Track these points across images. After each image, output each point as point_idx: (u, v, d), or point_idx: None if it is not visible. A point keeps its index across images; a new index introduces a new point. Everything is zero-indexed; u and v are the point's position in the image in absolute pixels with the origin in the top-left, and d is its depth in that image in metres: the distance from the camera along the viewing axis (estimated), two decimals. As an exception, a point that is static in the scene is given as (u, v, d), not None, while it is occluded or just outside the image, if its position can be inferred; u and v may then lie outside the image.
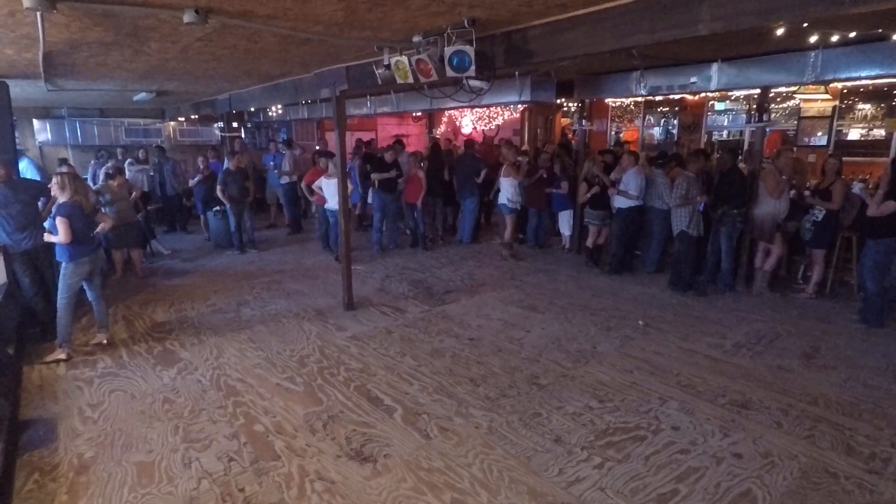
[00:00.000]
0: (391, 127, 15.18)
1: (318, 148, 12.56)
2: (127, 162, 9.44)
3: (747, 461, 3.09)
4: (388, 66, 3.85)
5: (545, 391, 3.93)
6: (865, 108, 8.96)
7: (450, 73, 3.41)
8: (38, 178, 6.77)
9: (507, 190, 7.66)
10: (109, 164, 7.88)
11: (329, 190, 7.37)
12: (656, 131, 11.73)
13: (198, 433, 3.40)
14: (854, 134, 9.14)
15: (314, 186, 7.89)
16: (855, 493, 2.82)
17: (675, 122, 11.21)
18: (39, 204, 5.06)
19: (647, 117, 11.80)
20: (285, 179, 9.86)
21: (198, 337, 5.03)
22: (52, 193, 4.55)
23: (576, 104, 8.79)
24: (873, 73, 5.62)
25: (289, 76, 6.75)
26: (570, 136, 12.61)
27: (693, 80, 6.80)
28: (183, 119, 12.38)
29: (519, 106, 11.10)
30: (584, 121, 8.47)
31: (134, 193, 7.20)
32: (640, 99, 10.73)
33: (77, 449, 3.24)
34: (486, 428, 3.45)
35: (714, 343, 4.77)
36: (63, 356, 4.45)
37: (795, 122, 9.59)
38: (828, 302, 5.77)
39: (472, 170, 8.47)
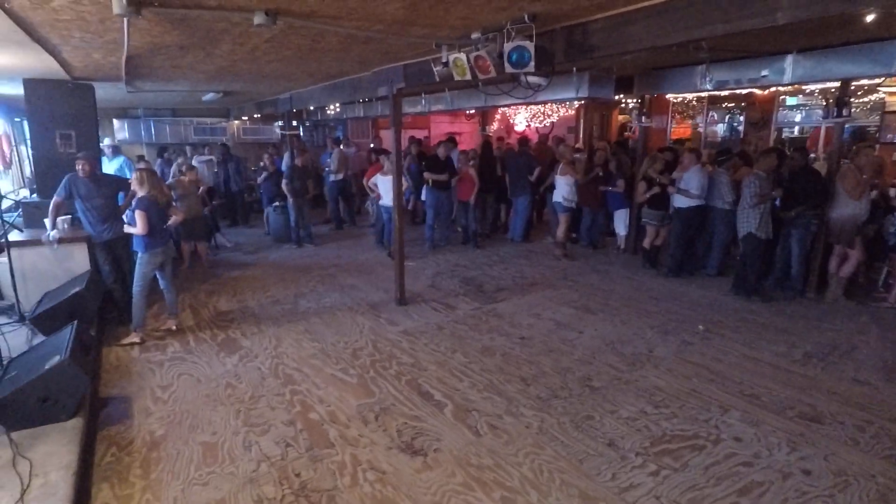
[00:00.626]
0: (444, 125, 15.25)
1: (372, 146, 12.82)
2: (195, 159, 9.97)
3: (817, 478, 2.90)
4: (446, 64, 3.86)
5: (598, 394, 3.84)
6: (961, 101, 8.17)
7: (508, 69, 3.38)
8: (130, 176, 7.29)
9: (563, 188, 7.53)
10: (181, 161, 8.35)
11: (384, 187, 7.50)
12: (720, 128, 11.18)
13: (257, 418, 3.55)
14: (947, 130, 8.36)
15: (370, 183, 8.05)
16: (942, 520, 2.60)
17: (742, 118, 10.64)
18: (119, 197, 5.43)
19: (710, 113, 11.27)
20: (332, 177, 10.09)
21: (258, 326, 5.25)
22: (132, 188, 4.88)
23: (635, 100, 8.51)
24: (974, 63, 5.12)
25: (348, 75, 6.91)
26: (627, 133, 12.26)
27: (764, 73, 6.42)
28: (246, 118, 12.94)
29: (574, 103, 10.87)
30: (643, 117, 8.19)
31: (201, 189, 7.60)
32: (703, 94, 10.26)
33: (149, 427, 3.46)
34: (537, 428, 3.42)
35: (781, 352, 4.51)
36: (137, 340, 4.77)
37: (878, 117, 8.88)
38: (913, 313, 5.32)
39: (525, 168, 8.39)
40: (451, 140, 8.88)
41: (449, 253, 8.19)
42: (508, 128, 13.96)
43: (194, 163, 8.76)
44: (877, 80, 8.01)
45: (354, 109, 11.95)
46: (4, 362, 3.61)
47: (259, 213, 10.27)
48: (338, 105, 11.28)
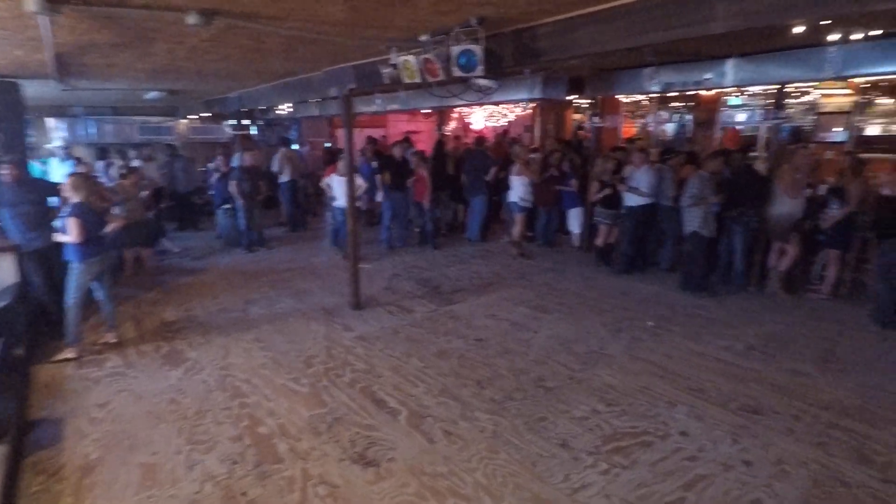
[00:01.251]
0: (402, 123, 15.14)
1: (329, 145, 12.60)
2: (136, 161, 9.52)
3: (757, 469, 3.02)
4: (394, 66, 3.81)
5: (552, 394, 3.89)
6: (887, 102, 8.71)
7: (457, 72, 3.36)
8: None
9: (519, 188, 7.59)
10: (121, 164, 7.95)
11: (339, 188, 7.37)
12: (670, 127, 11.56)
13: (202, 435, 3.41)
14: (874, 129, 8.91)
15: (323, 184, 7.89)
16: (867, 502, 2.74)
17: (690, 118, 11.03)
18: (51, 203, 5.11)
19: (659, 113, 11.62)
20: (282, 178, 9.82)
21: (205, 336, 5.05)
22: (65, 193, 4.59)
23: (587, 101, 8.68)
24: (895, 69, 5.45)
25: (298, 75, 6.75)
26: (579, 133, 12.48)
27: (707, 76, 6.66)
28: (195, 117, 12.46)
29: (529, 103, 10.99)
30: (596, 117, 8.36)
31: (144, 191, 7.25)
32: (653, 95, 10.57)
33: (83, 450, 3.26)
34: (491, 432, 3.42)
35: (725, 345, 4.68)
36: (72, 355, 4.50)
37: (812, 117, 9.37)
38: (843, 303, 5.63)
39: (481, 167, 8.41)
40: (405, 140, 8.80)
41: (406, 254, 8.13)
42: (466, 127, 14.00)
43: (136, 164, 8.35)
44: (811, 84, 8.46)
45: (309, 108, 11.70)
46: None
47: (210, 216, 9.90)
48: (290, 104, 11.01)
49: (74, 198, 4.42)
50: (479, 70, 3.32)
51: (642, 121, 11.89)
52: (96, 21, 3.19)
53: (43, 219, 4.87)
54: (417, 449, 3.24)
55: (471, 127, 13.89)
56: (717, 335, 4.90)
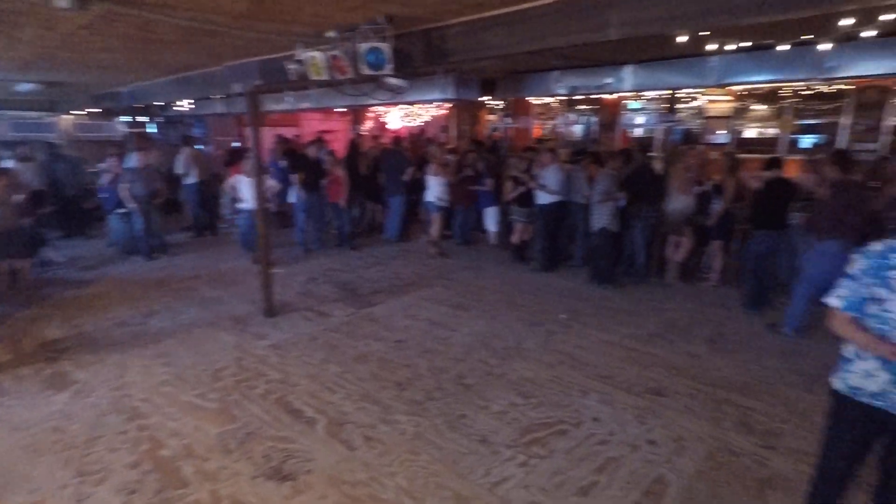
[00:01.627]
0: (316, 122, 14.70)
1: (238, 144, 11.93)
2: (8, 161, 8.46)
3: (660, 447, 3.24)
4: (301, 62, 3.66)
5: (471, 391, 3.93)
6: (760, 108, 9.75)
7: (366, 70, 3.29)
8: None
9: (435, 188, 7.63)
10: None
11: (246, 189, 7.00)
12: (577, 129, 12.16)
13: (94, 464, 3.08)
14: (751, 132, 9.93)
15: (227, 185, 7.46)
16: (753, 468, 3.04)
17: (595, 120, 11.67)
18: None
19: (567, 115, 12.19)
20: (187, 179, 9.18)
21: (97, 354, 4.58)
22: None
23: (499, 102, 8.91)
24: (765, 77, 6.11)
25: (198, 69, 6.32)
26: (493, 134, 12.79)
27: (608, 80, 7.09)
28: (82, 112, 11.29)
29: (444, 103, 11.09)
30: (508, 118, 8.60)
31: (17, 196, 6.44)
32: (561, 98, 11.07)
33: (-56, 493, 2.83)
34: (412, 433, 3.39)
35: (630, 333, 4.99)
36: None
37: (700, 121, 10.27)
38: (730, 289, 6.21)
39: (398, 167, 8.36)
40: (319, 140, 8.54)
41: (322, 257, 7.90)
42: (382, 127, 13.87)
43: (9, 165, 7.41)
44: (698, 90, 9.25)
45: (214, 105, 11.03)
46: None
47: (101, 222, 9.01)
48: (191, 100, 10.31)
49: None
50: (389, 69, 3.28)
51: (552, 122, 12.41)
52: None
53: None
54: (336, 458, 3.15)
55: (387, 126, 13.79)
56: (623, 324, 5.22)
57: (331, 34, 3.51)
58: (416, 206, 9.08)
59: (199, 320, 5.39)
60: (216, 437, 3.34)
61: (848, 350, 2.14)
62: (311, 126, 14.39)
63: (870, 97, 8.37)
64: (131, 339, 4.91)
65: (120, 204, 8.05)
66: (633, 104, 11.12)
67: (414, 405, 3.74)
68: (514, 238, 7.44)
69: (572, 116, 12.16)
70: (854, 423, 2.13)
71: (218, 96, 9.91)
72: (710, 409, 3.68)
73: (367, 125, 13.90)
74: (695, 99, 10.08)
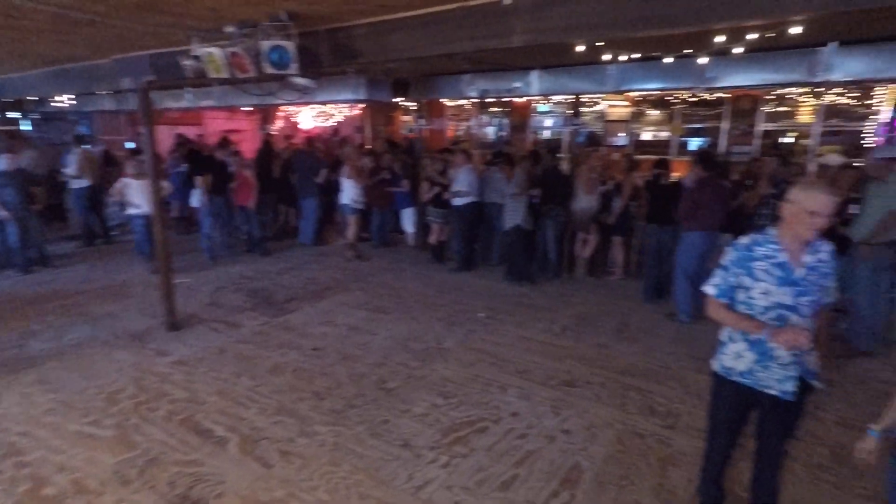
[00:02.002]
0: (221, 122, 13.88)
1: (130, 145, 10.95)
2: None
3: (575, 436, 3.40)
4: (197, 58, 3.43)
5: (392, 395, 3.90)
6: (654, 113, 10.56)
7: (269, 69, 3.15)
8: None
9: (351, 190, 7.49)
10: None
11: (135, 192, 6.46)
12: (490, 130, 12.49)
13: (-41, 512, 2.69)
14: (647, 135, 10.73)
15: (114, 189, 6.84)
16: (656, 448, 3.27)
17: (506, 122, 12.05)
18: None
19: (481, 118, 12.48)
20: (75, 183, 8.30)
21: (-38, 385, 4.00)
22: None
23: (413, 103, 8.92)
24: (656, 86, 6.63)
25: (80, 61, 5.72)
26: (409, 135, 12.80)
27: (517, 84, 7.34)
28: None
29: (357, 104, 10.92)
30: (422, 120, 8.64)
31: None
32: (473, 100, 11.31)
33: None
34: (333, 444, 3.30)
35: (545, 328, 5.20)
36: None
37: (602, 124, 10.94)
38: (633, 282, 6.66)
39: (310, 168, 8.11)
40: (224, 140, 8.05)
41: (232, 264, 7.48)
42: (294, 127, 13.39)
43: None
44: (598, 95, 9.84)
45: (102, 101, 10.06)
46: None
47: None
48: (72, 96, 9.34)
49: None
50: (294, 68, 3.16)
51: (466, 124, 12.64)
52: None
53: None
54: (251, 477, 2.98)
55: (299, 127, 13.33)
56: (538, 319, 5.43)
57: (230, 29, 3.31)
58: (331, 208, 8.87)
59: (89, 339, 4.89)
60: (112, 468, 3.04)
61: (723, 334, 2.38)
62: (216, 125, 13.58)
63: (744, 105, 9.38)
64: (5, 365, 4.34)
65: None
66: (541, 107, 11.63)
67: (333, 415, 3.64)
68: (432, 239, 7.48)
69: (485, 118, 12.47)
70: (729, 399, 2.38)
71: (105, 92, 9.06)
72: (617, 395, 3.91)
73: (278, 125, 13.35)
74: (597, 104, 10.73)
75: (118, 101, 9.94)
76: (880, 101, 8.26)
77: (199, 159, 7.87)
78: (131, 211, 6.73)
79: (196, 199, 7.55)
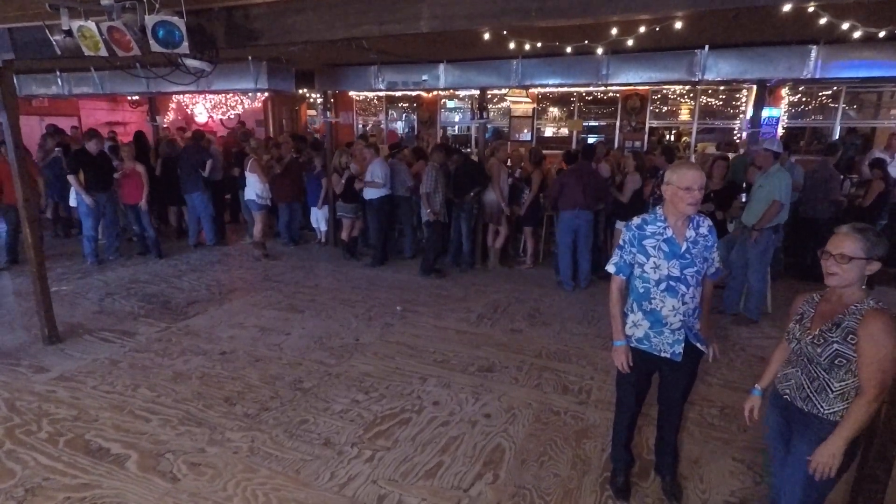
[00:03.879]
0: (102, 112, 12.57)
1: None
2: None
3: (495, 419, 3.49)
4: (69, 33, 3.04)
5: (310, 394, 3.76)
6: (554, 110, 11.12)
7: (156, 47, 2.87)
8: None
9: (255, 185, 7.09)
10: None
11: None
12: (399, 125, 12.45)
13: None
14: (549, 131, 11.27)
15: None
16: (571, 423, 3.44)
17: (415, 117, 12.07)
18: None
19: (390, 112, 12.39)
20: None
21: None
22: None
23: (319, 96, 8.64)
24: (557, 81, 6.95)
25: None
26: (312, 127, 12.42)
27: (424, 77, 7.36)
28: None
29: (260, 95, 10.38)
30: (328, 113, 8.40)
31: None
32: (381, 94, 11.20)
33: None
34: (247, 450, 3.11)
35: (461, 318, 5.28)
36: None
37: (508, 120, 11.32)
38: (543, 269, 6.96)
39: (196, 162, 7.43)
40: (91, 131, 7.04)
41: (122, 268, 6.80)
42: (188, 119, 12.43)
43: None
44: (504, 91, 10.16)
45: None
46: None
47: None
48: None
49: None
50: (184, 47, 2.91)
51: (375, 119, 12.50)
52: None
53: None
54: (155, 495, 2.73)
55: (194, 119, 12.42)
56: (454, 309, 5.49)
57: (106, 2, 2.96)
58: (228, 206, 8.34)
59: (-57, 360, 4.20)
60: (-20, 503, 2.64)
61: (627, 307, 2.57)
62: (95, 116, 12.29)
63: (634, 104, 10.16)
64: None
65: None
66: (449, 103, 11.79)
67: (247, 419, 3.43)
68: (344, 234, 7.31)
69: (393, 113, 12.41)
70: (631, 365, 2.56)
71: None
72: (533, 377, 4.07)
73: (169, 117, 12.33)
74: (503, 100, 11.08)
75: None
76: (745, 101, 9.36)
77: (76, 153, 7.00)
78: None
79: (73, 197, 6.75)
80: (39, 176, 7.28)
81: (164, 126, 11.02)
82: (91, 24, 2.98)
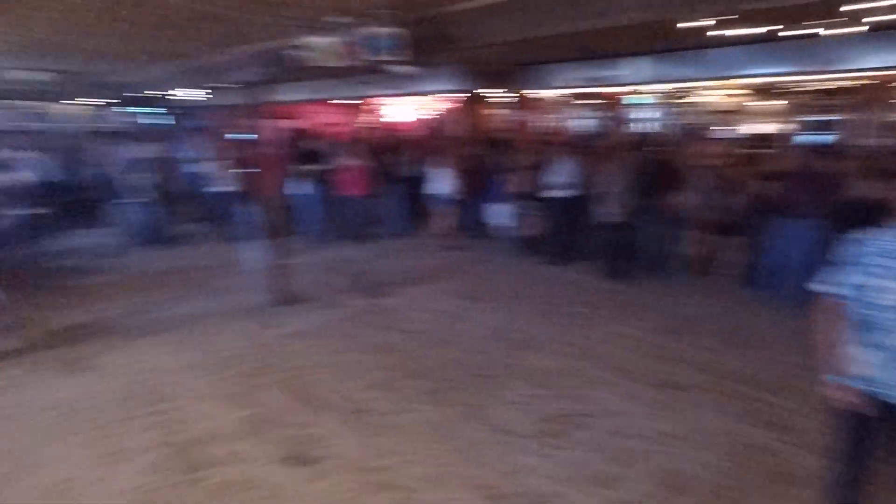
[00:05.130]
0: (319, 115, 14.63)
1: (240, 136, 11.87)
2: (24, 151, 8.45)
3: (682, 441, 3.21)
4: (304, 49, 3.63)
5: (489, 382, 3.92)
6: (766, 104, 9.62)
7: (373, 56, 3.27)
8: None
9: (444, 180, 7.59)
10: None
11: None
12: (585, 123, 12.11)
13: (115, 445, 3.09)
14: (758, 127, 9.82)
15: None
16: (774, 463, 3.01)
17: (604, 114, 11.62)
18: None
19: (577, 109, 12.14)
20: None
21: (112, 340, 4.59)
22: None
23: (507, 95, 8.85)
24: (769, 70, 6.03)
25: (198, 57, 6.28)
26: (503, 126, 12.72)
27: (616, 73, 7.02)
28: (88, 102, 11.27)
29: (451, 95, 11.06)
30: (516, 111, 8.56)
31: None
32: (570, 91, 11.02)
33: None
34: (431, 422, 3.39)
35: (646, 327, 4.95)
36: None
37: (708, 115, 10.17)
38: (742, 283, 6.14)
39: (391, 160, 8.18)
40: (315, 132, 8.28)
41: (333, 248, 7.87)
42: (380, 119, 13.71)
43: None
44: (704, 83, 9.12)
45: (218, 96, 10.98)
46: None
47: (113, 212, 8.91)
48: (199, 91, 10.29)
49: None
50: (403, 55, 3.25)
51: (562, 116, 12.35)
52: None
53: None
54: (354, 444, 3.15)
55: (388, 120, 13.68)
56: (638, 318, 5.18)
57: (335, 20, 3.44)
58: (420, 199, 9.05)
59: (212, 310, 5.38)
60: (233, 422, 3.35)
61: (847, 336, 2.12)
62: (314, 118, 14.29)
63: (873, 94, 8.27)
64: (144, 327, 4.92)
65: (132, 193, 8.03)
66: (639, 99, 11.04)
67: (431, 395, 3.73)
68: (527, 231, 7.40)
69: (581, 110, 12.11)
70: (852, 409, 2.12)
71: (226, 86, 9.88)
72: (728, 402, 3.63)
73: (371, 117, 13.83)
74: (701, 94, 9.98)
75: (230, 95, 10.77)
76: None
77: (305, 151, 8.24)
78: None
79: (296, 186, 8.02)
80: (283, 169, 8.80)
81: (371, 125, 12.44)
82: (327, 40, 3.51)
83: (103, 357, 4.27)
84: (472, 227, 8.50)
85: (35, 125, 10.83)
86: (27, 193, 6.68)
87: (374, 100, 12.99)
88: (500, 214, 8.21)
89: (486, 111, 13.13)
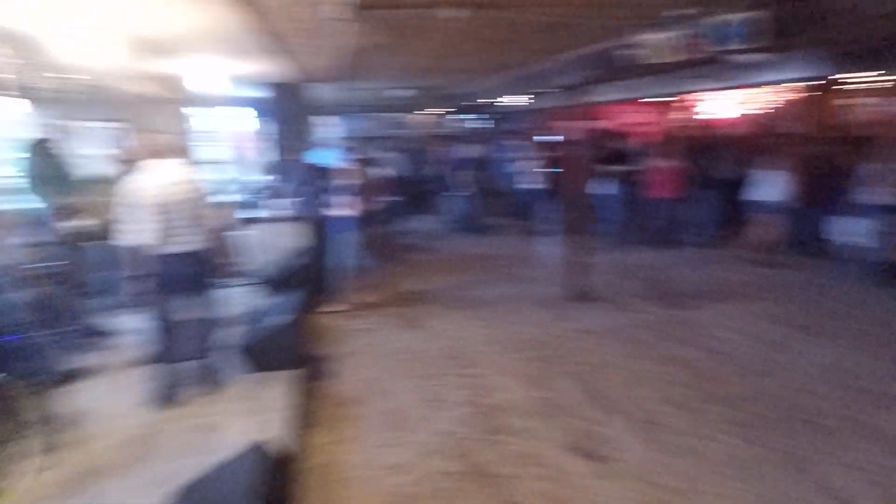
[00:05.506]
0: (628, 114, 14.23)
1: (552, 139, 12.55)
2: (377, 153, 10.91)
3: None
4: (636, 47, 3.55)
5: (822, 433, 3.21)
6: None
7: (719, 46, 2.97)
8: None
9: (777, 184, 6.44)
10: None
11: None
12: None
13: (434, 394, 3.76)
14: None
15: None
16: None
17: None
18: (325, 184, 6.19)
19: None
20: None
21: (437, 308, 5.54)
22: (345, 178, 5.58)
23: (881, 79, 6.90)
24: None
25: (526, 65, 6.83)
26: (862, 119, 10.02)
27: None
28: (433, 111, 13.74)
29: (795, 84, 9.22)
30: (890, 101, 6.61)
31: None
32: None
33: (345, 387, 3.90)
34: (737, 458, 2.99)
35: None
36: (341, 309, 5.45)
37: None
38: None
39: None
40: (619, 132, 8.04)
41: (630, 252, 7.62)
42: (694, 117, 12.40)
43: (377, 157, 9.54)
44: None
45: (535, 100, 11.81)
46: (247, 316, 4.36)
47: (441, 202, 10.64)
48: (516, 96, 11.30)
49: (357, 180, 5.48)
50: (759, 41, 2.87)
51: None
52: (381, 22, 3.68)
53: (319, 195, 5.97)
54: (647, 455, 3.03)
55: (703, 117, 12.28)
56: None
57: (678, 13, 3.23)
58: (736, 205, 7.88)
59: (515, 295, 5.91)
60: (528, 401, 3.64)
61: None
62: (622, 118, 13.94)
63: None
64: (461, 301, 5.75)
65: (458, 187, 9.48)
66: None
67: (737, 427, 3.28)
68: (892, 255, 5.71)
69: None
70: None
71: (540, 91, 10.59)
72: None
73: (685, 115, 12.69)
74: None
75: (546, 99, 11.41)
76: None
77: (610, 151, 8.16)
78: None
79: (599, 186, 8.00)
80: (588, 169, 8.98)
81: (685, 124, 11.42)
82: (664, 35, 3.37)
83: (430, 321, 5.21)
84: (804, 242, 7.02)
85: (395, 131, 13.83)
86: (389, 185, 8.62)
87: (690, 96, 11.93)
88: (851, 230, 6.53)
89: (841, 101, 10.54)
